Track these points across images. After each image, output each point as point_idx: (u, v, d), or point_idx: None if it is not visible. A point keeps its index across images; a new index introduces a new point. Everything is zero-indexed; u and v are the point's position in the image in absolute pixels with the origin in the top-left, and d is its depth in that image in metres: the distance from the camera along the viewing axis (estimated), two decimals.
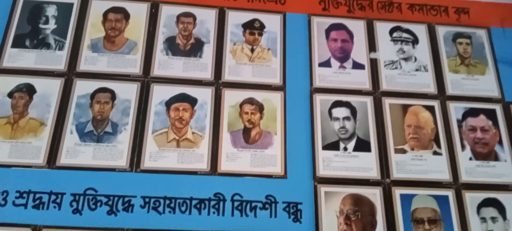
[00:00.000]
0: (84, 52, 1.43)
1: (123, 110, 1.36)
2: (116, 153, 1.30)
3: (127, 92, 1.38)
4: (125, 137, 1.32)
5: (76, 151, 1.29)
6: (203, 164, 1.32)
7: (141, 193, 1.27)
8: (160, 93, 1.39)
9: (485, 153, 1.43)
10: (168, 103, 1.38)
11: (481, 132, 1.46)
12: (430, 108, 1.47)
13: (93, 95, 1.37)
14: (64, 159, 1.27)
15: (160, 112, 1.37)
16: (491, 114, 1.49)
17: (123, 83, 1.39)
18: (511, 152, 1.44)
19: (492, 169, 1.41)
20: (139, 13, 1.50)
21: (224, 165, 1.33)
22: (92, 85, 1.38)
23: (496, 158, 1.43)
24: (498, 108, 1.51)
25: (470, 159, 1.42)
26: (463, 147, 1.43)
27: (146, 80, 1.41)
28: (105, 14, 1.49)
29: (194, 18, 1.52)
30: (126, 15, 1.49)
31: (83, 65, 1.41)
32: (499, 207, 1.35)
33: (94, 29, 1.46)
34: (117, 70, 1.41)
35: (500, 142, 1.46)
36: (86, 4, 1.50)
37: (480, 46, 1.61)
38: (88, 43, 1.44)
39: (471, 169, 1.40)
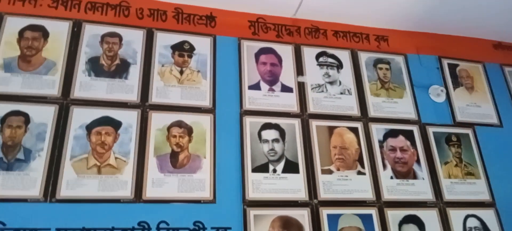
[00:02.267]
0: None
1: (37, 135, 1.26)
2: (29, 181, 1.20)
3: (43, 115, 1.28)
4: (39, 164, 1.22)
5: None
6: (127, 191, 1.25)
7: (56, 225, 1.17)
8: (80, 117, 1.31)
9: (404, 171, 1.52)
10: (89, 127, 1.30)
11: (401, 151, 1.55)
12: (354, 130, 1.54)
13: (4, 119, 1.25)
14: None
15: (80, 136, 1.29)
16: (409, 135, 1.60)
17: (39, 105, 1.29)
18: (428, 170, 1.55)
19: (411, 187, 1.50)
20: (59, 32, 1.42)
21: (150, 191, 1.27)
22: (3, 108, 1.27)
23: (414, 176, 1.52)
24: (415, 129, 1.62)
25: (391, 177, 1.50)
26: (384, 166, 1.51)
27: (65, 103, 1.32)
28: (21, 32, 1.38)
29: (120, 38, 1.47)
30: (44, 34, 1.40)
31: None
32: (419, 223, 1.44)
33: (8, 48, 1.35)
34: (33, 91, 1.31)
35: (418, 161, 1.56)
36: None
37: (398, 71, 1.73)
38: (0, 63, 1.32)
39: (392, 187, 1.48)
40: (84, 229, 1.18)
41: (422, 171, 1.54)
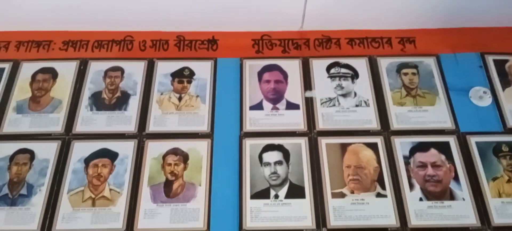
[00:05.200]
0: (9, 114, 1.41)
1: (40, 170, 1.30)
2: (29, 216, 1.23)
3: (47, 151, 1.33)
4: (39, 199, 1.25)
5: None
6: (119, 223, 1.22)
7: None
8: (80, 150, 1.34)
9: (438, 191, 1.27)
10: (87, 160, 1.32)
11: (433, 168, 1.30)
12: (373, 146, 1.34)
13: (12, 158, 1.33)
14: None
15: (78, 170, 1.31)
16: (443, 148, 1.34)
17: (44, 142, 1.35)
18: (470, 189, 1.27)
19: (448, 210, 1.24)
20: (67, 72, 1.49)
21: (142, 223, 1.22)
22: (13, 147, 1.35)
23: (451, 197, 1.26)
24: (452, 140, 1.36)
25: (421, 199, 1.26)
26: (411, 186, 1.28)
27: (67, 138, 1.36)
28: (33, 76, 1.49)
29: (122, 71, 1.50)
30: (54, 75, 1.49)
31: (6, 128, 1.38)
32: None
33: (20, 91, 1.45)
34: (39, 130, 1.37)
35: (456, 178, 1.29)
36: (16, 67, 1.50)
37: (428, 75, 1.50)
38: (13, 105, 1.43)
39: (422, 211, 1.23)
40: None
41: (462, 190, 1.27)
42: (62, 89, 1.46)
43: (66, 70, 1.50)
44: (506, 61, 1.52)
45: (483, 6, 1.53)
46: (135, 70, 1.50)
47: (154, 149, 1.34)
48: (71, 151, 1.34)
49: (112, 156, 1.33)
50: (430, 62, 1.53)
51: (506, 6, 1.52)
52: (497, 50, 1.54)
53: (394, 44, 1.57)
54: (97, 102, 1.44)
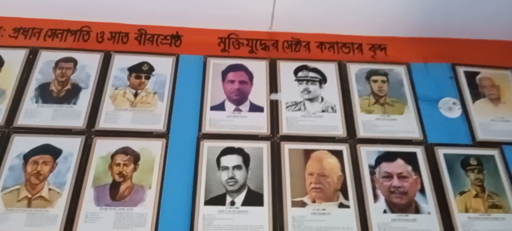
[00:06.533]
0: None
1: None
2: None
3: None
4: None
5: None
6: (55, 227, 1.10)
7: None
8: (20, 145, 1.22)
9: (403, 204, 1.20)
10: (27, 156, 1.20)
11: (398, 179, 1.24)
12: (337, 154, 1.27)
13: None
14: None
15: (15, 166, 1.18)
16: (410, 159, 1.28)
17: None
18: (436, 202, 1.21)
19: (412, 224, 1.17)
20: (15, 60, 1.37)
21: (81, 228, 1.10)
22: None
23: (417, 210, 1.20)
24: (419, 151, 1.30)
25: (385, 211, 1.19)
26: (376, 197, 1.21)
27: (6, 131, 1.24)
28: None
29: (75, 63, 1.39)
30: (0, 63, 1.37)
31: None
32: None
33: None
34: None
35: (422, 191, 1.23)
36: None
37: (398, 83, 1.45)
38: None
39: (385, 224, 1.16)
40: None
41: (428, 203, 1.21)
42: (7, 78, 1.34)
43: (14, 58, 1.38)
44: (477, 73, 1.49)
45: (456, 17, 1.50)
46: (89, 62, 1.39)
47: (103, 147, 1.23)
48: (10, 146, 1.22)
49: (55, 152, 1.21)
50: (401, 70, 1.48)
51: (479, 18, 1.49)
52: (469, 62, 1.51)
53: (364, 51, 1.52)
54: (44, 94, 1.32)
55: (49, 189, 1.15)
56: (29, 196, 1.14)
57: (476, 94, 1.44)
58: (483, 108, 1.41)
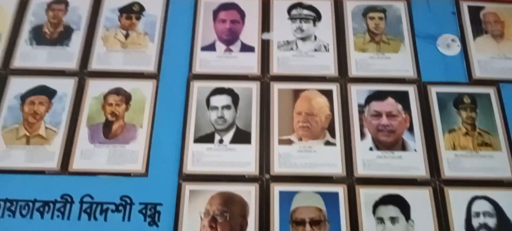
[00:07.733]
0: None
1: None
2: None
3: None
4: None
5: None
6: (53, 163, 1.16)
7: None
8: (17, 87, 1.26)
9: (389, 142, 1.21)
10: (24, 97, 1.25)
11: (387, 117, 1.23)
12: (327, 93, 1.27)
13: None
14: None
15: (14, 107, 1.24)
16: (401, 97, 1.26)
17: None
18: (423, 140, 1.21)
19: (397, 161, 1.18)
20: (7, 4, 1.39)
21: (77, 163, 1.17)
22: None
23: (403, 148, 1.20)
24: (411, 90, 1.28)
25: (371, 149, 1.20)
26: (363, 135, 1.21)
27: (4, 73, 1.28)
28: None
29: (66, 4, 1.39)
30: None
31: None
32: (402, 205, 1.12)
33: None
34: None
35: (411, 129, 1.23)
36: None
37: (396, 20, 1.39)
38: None
39: (370, 161, 1.18)
40: (6, 200, 1.12)
41: (415, 141, 1.21)
42: (1, 21, 1.36)
43: (6, 1, 1.39)
44: (482, 8, 1.42)
45: None
46: (80, 4, 1.39)
47: (95, 88, 1.27)
48: (8, 87, 1.26)
49: (50, 93, 1.25)
50: (400, 6, 1.42)
51: None
52: None
53: None
54: (38, 36, 1.34)
55: (46, 128, 1.21)
56: (28, 134, 1.20)
57: (479, 30, 1.38)
58: (484, 45, 1.35)
